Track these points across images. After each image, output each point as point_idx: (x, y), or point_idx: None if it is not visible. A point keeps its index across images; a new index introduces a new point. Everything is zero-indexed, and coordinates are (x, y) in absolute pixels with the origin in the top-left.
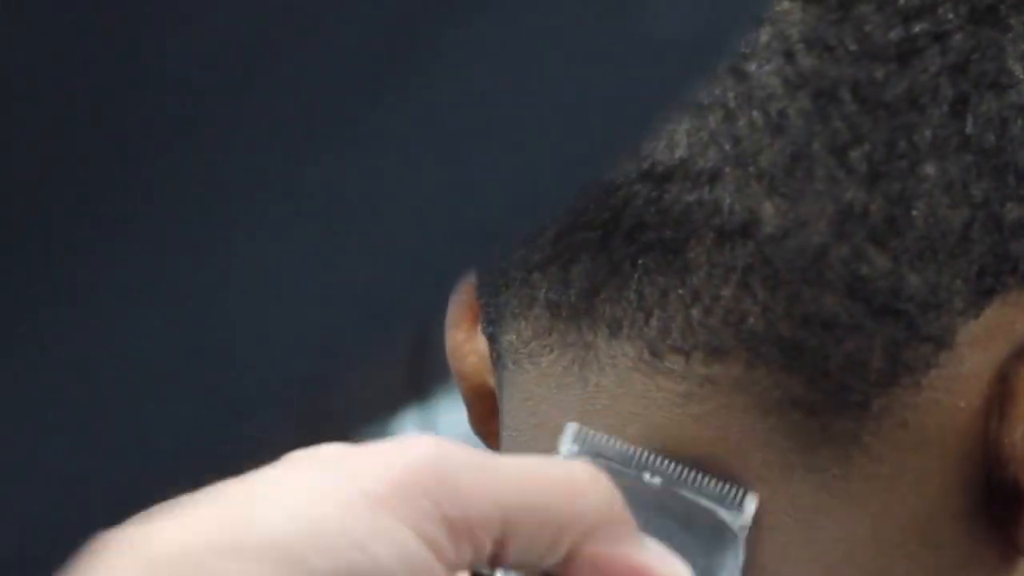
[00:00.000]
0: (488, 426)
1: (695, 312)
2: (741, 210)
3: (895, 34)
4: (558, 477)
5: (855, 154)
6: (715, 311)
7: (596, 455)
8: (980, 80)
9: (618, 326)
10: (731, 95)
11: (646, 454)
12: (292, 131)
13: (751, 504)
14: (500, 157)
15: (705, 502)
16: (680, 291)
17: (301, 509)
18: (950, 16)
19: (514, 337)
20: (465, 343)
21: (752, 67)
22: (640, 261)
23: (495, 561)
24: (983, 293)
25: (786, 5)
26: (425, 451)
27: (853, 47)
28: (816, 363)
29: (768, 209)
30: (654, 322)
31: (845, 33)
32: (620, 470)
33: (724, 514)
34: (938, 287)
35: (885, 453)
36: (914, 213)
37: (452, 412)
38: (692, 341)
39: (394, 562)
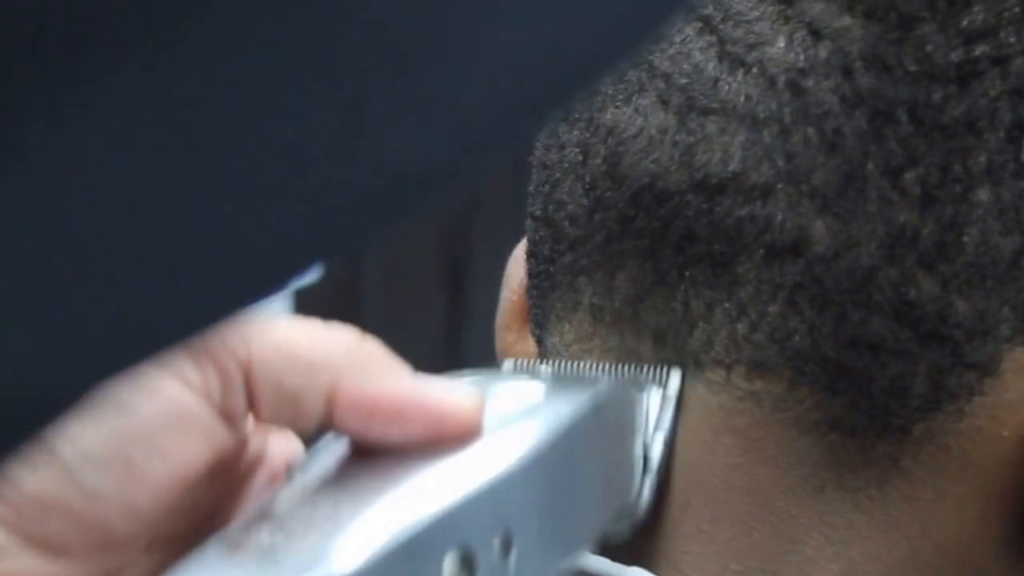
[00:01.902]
0: None
1: (740, 327)
2: (792, 227)
3: (956, 56)
4: (305, 322)
5: (909, 176)
6: (761, 327)
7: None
8: None
9: (662, 335)
10: (787, 110)
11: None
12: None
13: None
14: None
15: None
16: (726, 305)
17: None
18: (1012, 40)
19: (557, 339)
20: (515, 344)
21: (809, 83)
22: (687, 272)
23: (252, 405)
24: None
25: (846, 21)
26: None
27: (913, 67)
28: (859, 385)
29: (819, 228)
30: (698, 333)
31: (905, 53)
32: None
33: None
34: (986, 314)
35: (925, 477)
36: (965, 239)
37: None
38: (735, 355)
39: (130, 390)
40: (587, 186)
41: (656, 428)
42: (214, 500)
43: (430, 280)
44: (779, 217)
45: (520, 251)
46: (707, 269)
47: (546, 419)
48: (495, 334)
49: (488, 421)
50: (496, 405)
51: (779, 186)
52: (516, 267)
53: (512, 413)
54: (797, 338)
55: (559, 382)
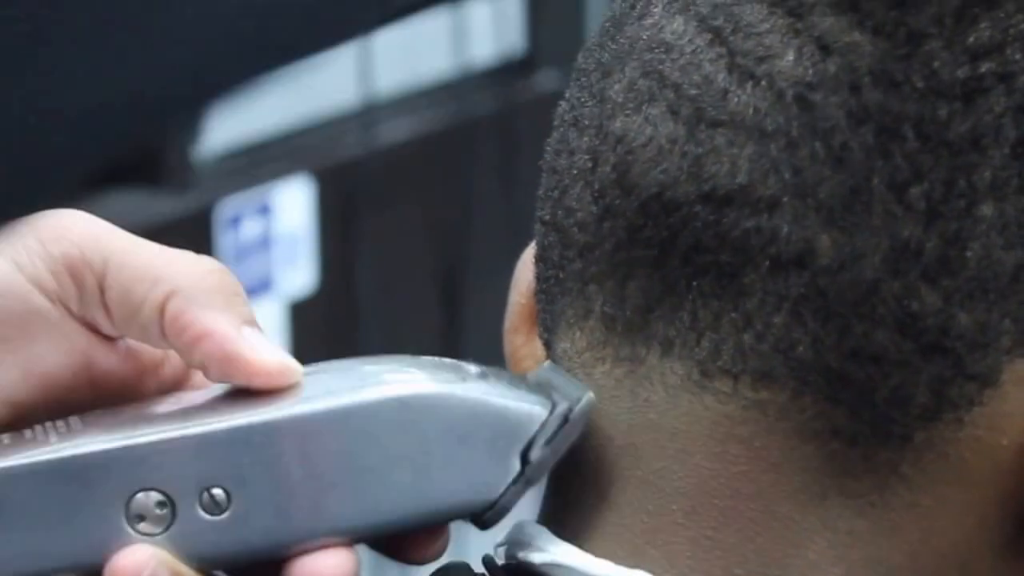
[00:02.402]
0: None
1: (746, 337)
2: (797, 240)
3: (962, 72)
4: (168, 249)
5: (914, 192)
6: (766, 338)
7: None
8: None
9: (670, 345)
10: (795, 124)
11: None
12: None
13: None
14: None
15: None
16: (733, 315)
17: None
18: (1017, 56)
19: (568, 345)
20: (523, 347)
21: (818, 97)
22: (695, 283)
23: (103, 304)
24: None
25: (856, 37)
26: (63, 212)
27: (920, 84)
28: (862, 395)
29: (824, 241)
30: (705, 343)
31: (912, 69)
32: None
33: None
34: (987, 326)
35: (925, 484)
36: (968, 253)
37: None
38: (741, 365)
39: None
40: (596, 193)
41: (546, 444)
42: (93, 397)
43: (425, 290)
44: (785, 230)
45: (528, 254)
46: (714, 280)
47: (326, 401)
48: (503, 337)
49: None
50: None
51: (785, 199)
52: (525, 270)
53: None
54: (801, 349)
55: (425, 373)
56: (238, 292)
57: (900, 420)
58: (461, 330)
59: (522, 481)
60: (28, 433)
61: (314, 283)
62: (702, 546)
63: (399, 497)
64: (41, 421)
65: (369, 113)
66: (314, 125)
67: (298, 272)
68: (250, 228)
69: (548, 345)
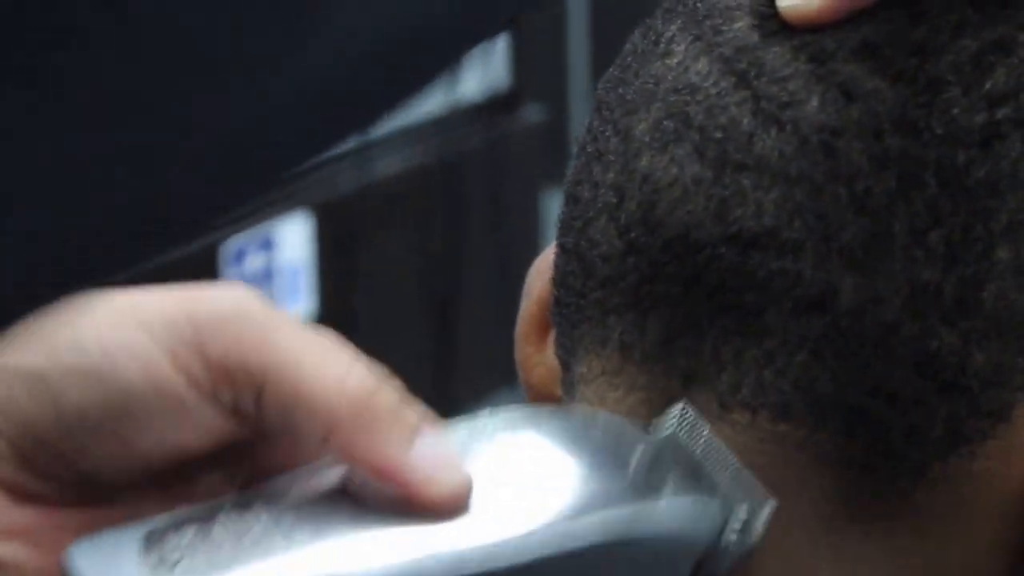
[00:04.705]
0: None
1: (767, 373)
2: (820, 282)
3: (980, 119)
4: (332, 362)
5: (933, 236)
6: (787, 375)
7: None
8: None
9: (691, 377)
10: (819, 169)
11: (722, 451)
12: None
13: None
14: None
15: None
16: (754, 352)
17: (70, 321)
18: None
19: (585, 370)
20: (534, 355)
21: (841, 144)
22: (718, 320)
23: (259, 409)
24: None
25: (877, 83)
26: (222, 293)
27: (939, 130)
28: (878, 431)
29: (846, 284)
30: (726, 377)
31: (932, 116)
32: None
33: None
34: (1001, 365)
35: (934, 511)
36: (984, 295)
37: None
38: (761, 399)
39: (137, 375)
40: (621, 229)
41: (720, 558)
42: (235, 470)
43: (419, 316)
44: (808, 272)
45: (541, 263)
46: (737, 318)
47: (531, 538)
48: (515, 343)
49: (501, 489)
50: (528, 476)
51: (809, 243)
52: (537, 279)
53: (522, 501)
54: (821, 386)
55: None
56: (397, 403)
57: (915, 454)
58: (454, 353)
59: None
60: (164, 529)
61: (314, 312)
62: None
63: None
64: (173, 479)
65: (364, 150)
66: (312, 163)
67: (299, 302)
68: (253, 262)
69: (566, 366)
